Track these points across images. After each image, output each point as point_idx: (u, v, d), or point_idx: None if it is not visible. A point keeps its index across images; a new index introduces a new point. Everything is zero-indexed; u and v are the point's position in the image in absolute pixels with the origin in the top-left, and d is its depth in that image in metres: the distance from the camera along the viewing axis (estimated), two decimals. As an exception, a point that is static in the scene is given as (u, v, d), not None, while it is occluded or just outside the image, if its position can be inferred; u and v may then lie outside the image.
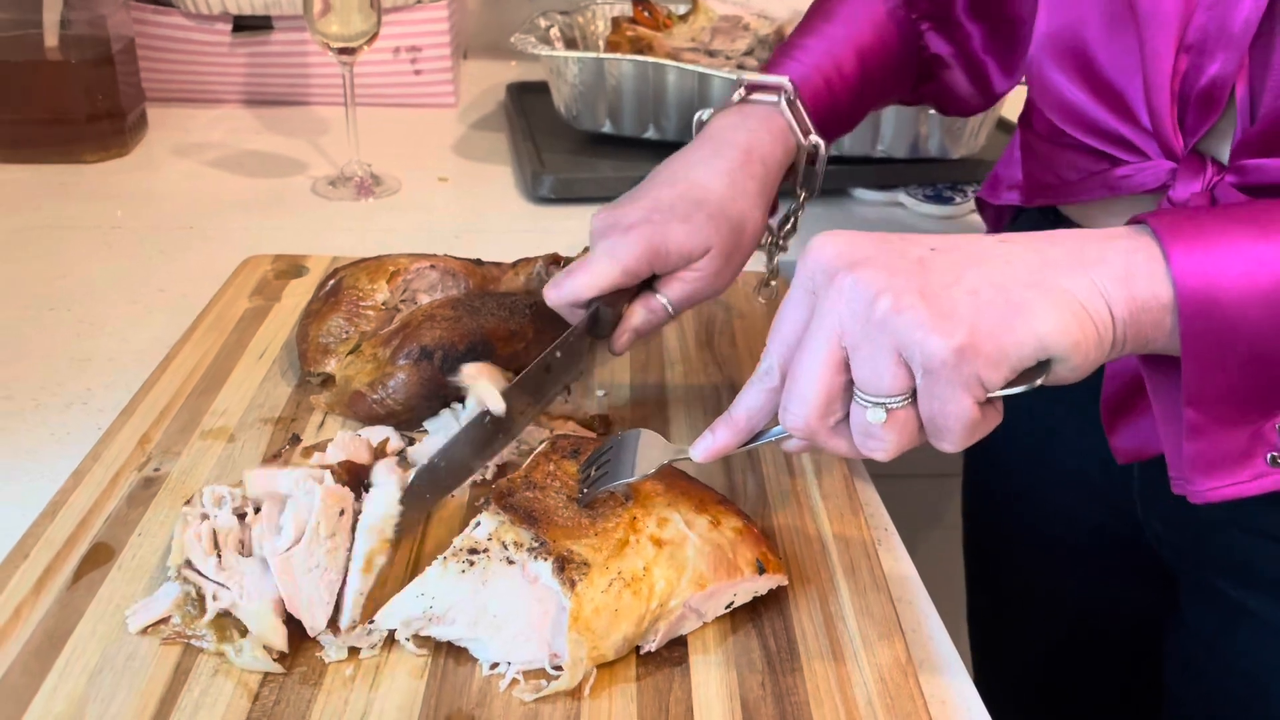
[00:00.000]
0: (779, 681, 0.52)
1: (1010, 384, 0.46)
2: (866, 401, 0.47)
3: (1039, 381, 0.46)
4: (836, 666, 0.53)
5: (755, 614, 0.56)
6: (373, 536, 0.55)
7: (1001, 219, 0.78)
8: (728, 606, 0.55)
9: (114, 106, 1.17)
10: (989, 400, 0.46)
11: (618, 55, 1.14)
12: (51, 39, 1.13)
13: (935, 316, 0.44)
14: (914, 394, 0.46)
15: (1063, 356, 0.45)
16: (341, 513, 0.56)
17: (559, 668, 0.51)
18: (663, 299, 0.67)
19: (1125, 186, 0.61)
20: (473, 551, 0.54)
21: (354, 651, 0.53)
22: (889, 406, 0.46)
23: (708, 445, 0.53)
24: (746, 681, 0.52)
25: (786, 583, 0.57)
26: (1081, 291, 0.45)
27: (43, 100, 1.14)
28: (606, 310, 0.65)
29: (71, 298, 0.90)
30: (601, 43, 1.30)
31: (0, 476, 0.68)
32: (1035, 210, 0.74)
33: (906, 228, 1.12)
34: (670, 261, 0.65)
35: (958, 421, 0.46)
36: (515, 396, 0.64)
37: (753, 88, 0.72)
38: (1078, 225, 0.69)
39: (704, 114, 0.75)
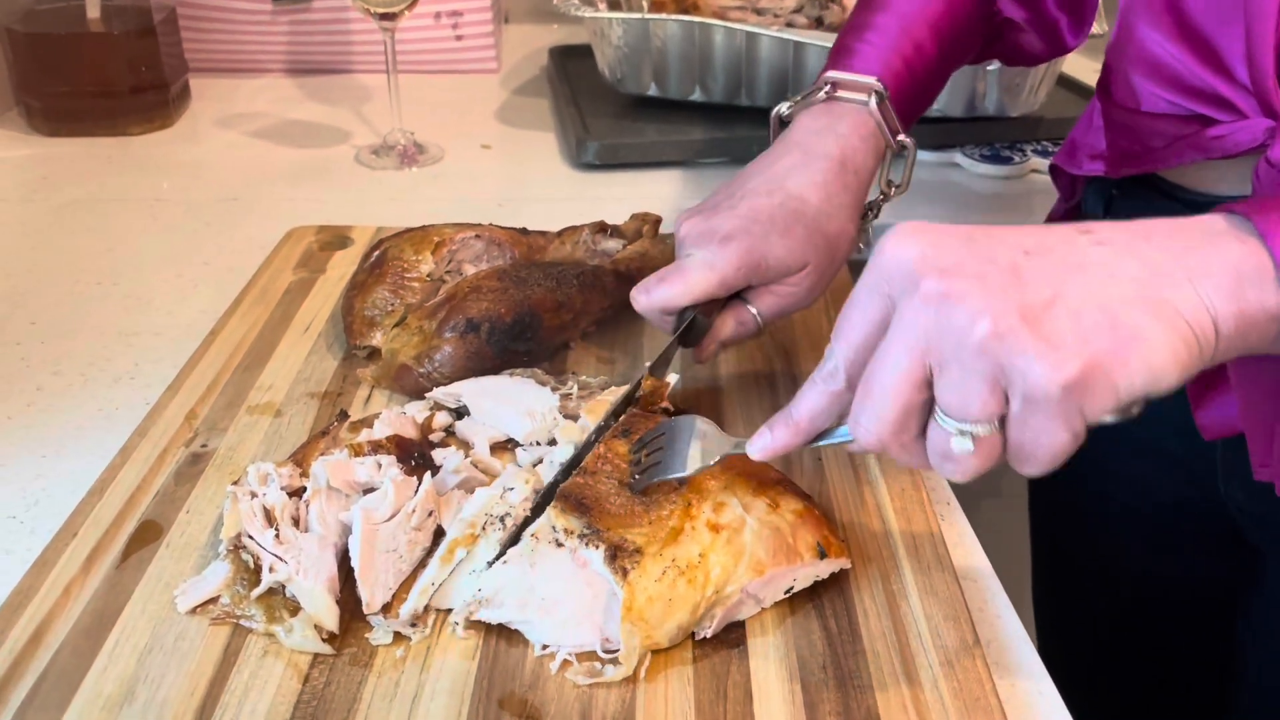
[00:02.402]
0: (840, 664, 0.50)
1: None
2: (951, 427, 0.43)
3: (1135, 411, 0.42)
4: (901, 649, 0.51)
5: (815, 595, 0.54)
6: (461, 528, 0.53)
7: (1076, 187, 0.74)
8: (787, 592, 0.53)
9: (157, 78, 1.16)
10: None
11: (662, 15, 1.11)
12: (94, 10, 1.13)
13: (1042, 345, 0.40)
14: (1002, 419, 0.42)
15: (1169, 385, 0.41)
16: (430, 513, 0.55)
17: (610, 651, 0.50)
18: (754, 310, 0.65)
19: (1219, 148, 0.57)
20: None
21: (402, 634, 0.52)
22: (976, 434, 0.42)
23: (765, 444, 0.50)
24: (807, 664, 0.50)
25: (849, 566, 0.55)
26: (1189, 308, 0.41)
27: (86, 73, 1.14)
28: (702, 320, 0.63)
29: (118, 272, 0.89)
30: (646, 3, 1.26)
31: (50, 452, 0.67)
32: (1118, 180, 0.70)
33: (963, 189, 1.08)
34: (768, 275, 0.64)
35: (1049, 452, 0.42)
36: (615, 415, 0.61)
37: (839, 85, 0.69)
38: (1171, 190, 0.66)
39: (784, 109, 0.71)
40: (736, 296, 0.66)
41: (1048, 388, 0.40)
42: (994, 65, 1.08)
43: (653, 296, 0.63)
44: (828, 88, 0.69)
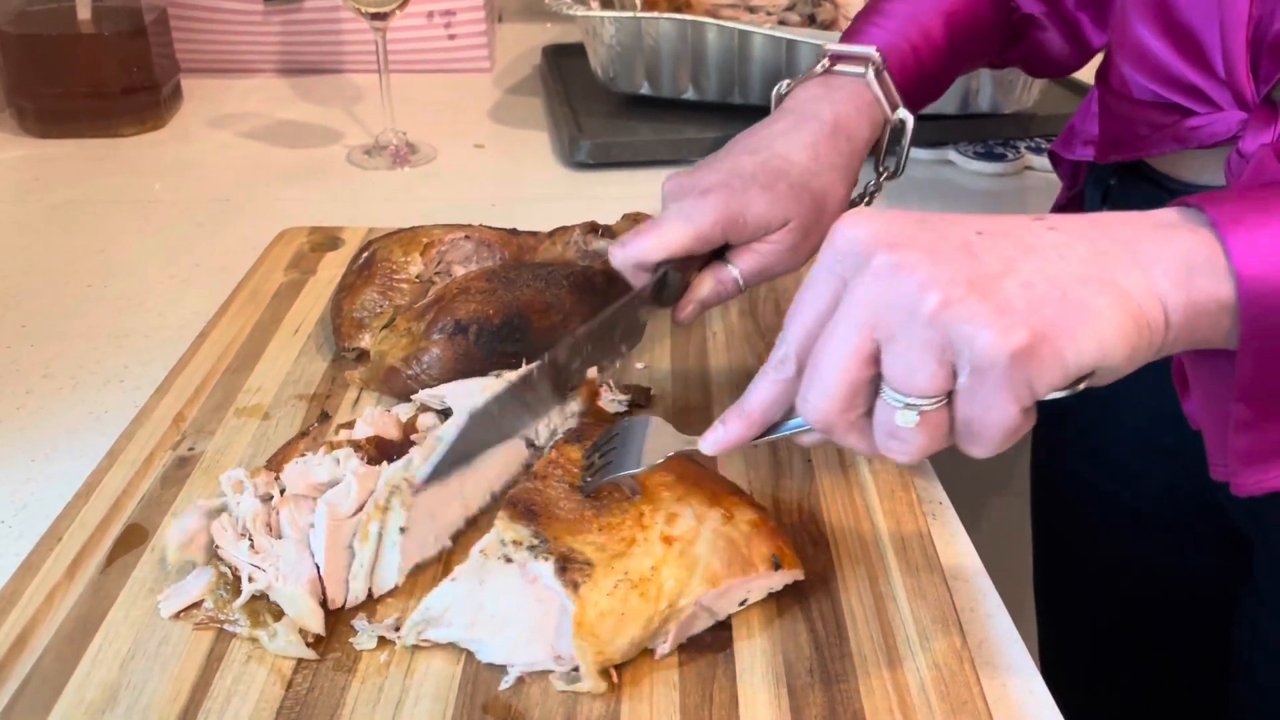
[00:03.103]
0: (827, 668, 0.50)
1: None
2: (897, 402, 0.42)
3: (1081, 386, 0.42)
4: (888, 652, 0.51)
5: (802, 597, 0.54)
6: (370, 505, 0.54)
7: (1078, 175, 0.75)
8: (741, 604, 0.53)
9: (149, 79, 1.16)
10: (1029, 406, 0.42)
11: (655, 14, 1.10)
12: (84, 12, 1.13)
13: (991, 313, 0.39)
14: (949, 395, 0.42)
15: (1116, 365, 0.41)
16: None
17: (565, 668, 0.49)
18: (734, 270, 0.64)
19: (1195, 138, 0.58)
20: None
21: (386, 639, 0.52)
22: (921, 409, 0.42)
23: (718, 438, 0.49)
24: (793, 668, 0.50)
25: (802, 578, 0.54)
26: (1138, 292, 0.41)
27: (78, 74, 1.13)
28: (675, 276, 0.61)
29: (110, 273, 0.89)
30: (638, 1, 1.26)
31: (39, 456, 0.67)
32: (1111, 166, 0.70)
33: (956, 187, 1.08)
34: (747, 231, 0.62)
35: (998, 428, 0.41)
36: (569, 353, 0.59)
37: (837, 58, 0.68)
38: (1159, 179, 0.66)
39: (783, 86, 0.70)
40: (718, 255, 0.64)
41: (995, 356, 0.39)
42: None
43: (628, 250, 0.62)
44: (825, 61, 0.68)
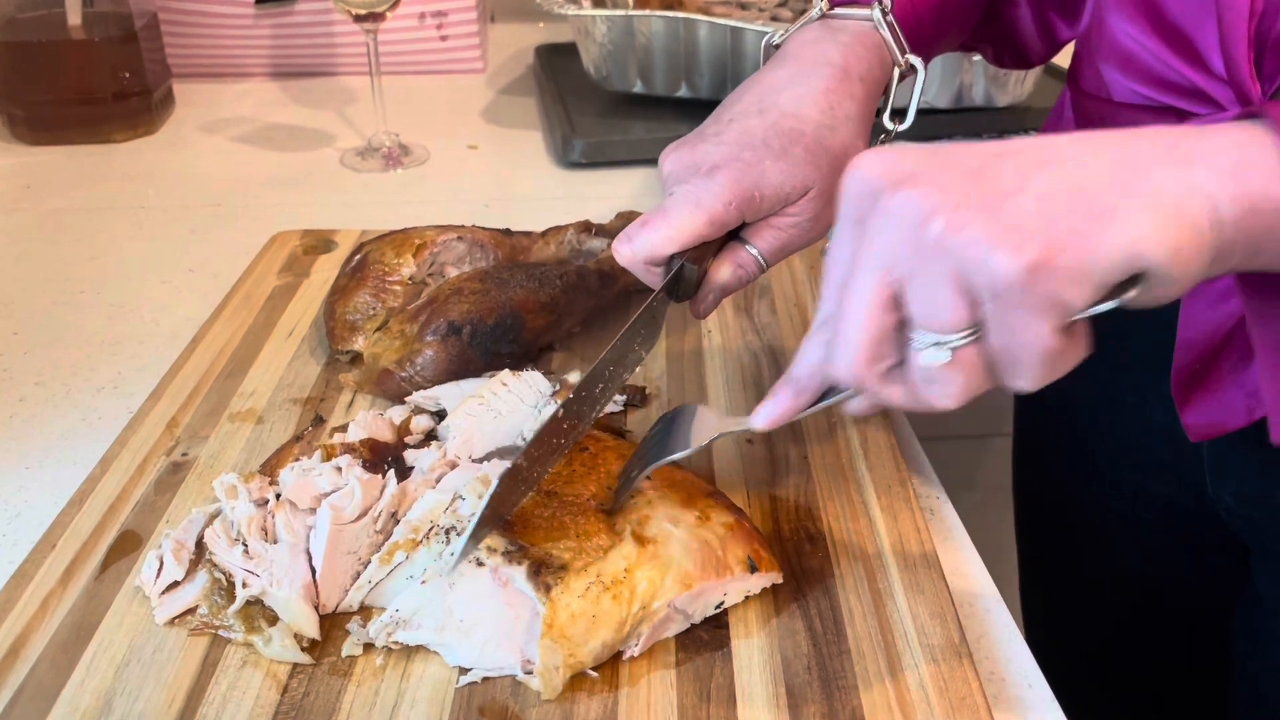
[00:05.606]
0: (825, 665, 0.50)
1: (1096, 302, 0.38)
2: (924, 342, 0.40)
3: (1131, 294, 0.38)
4: (886, 648, 0.51)
5: (800, 594, 0.54)
6: (405, 531, 0.53)
7: None
8: (717, 607, 0.52)
9: (140, 84, 1.16)
10: (1070, 326, 0.38)
11: (647, 12, 1.10)
12: (75, 18, 1.12)
13: (999, 230, 0.37)
14: (980, 329, 0.39)
15: (1159, 267, 0.37)
16: (393, 515, 0.55)
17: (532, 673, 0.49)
18: (753, 251, 0.58)
19: None
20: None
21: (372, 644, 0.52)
22: (951, 345, 0.39)
23: (769, 412, 0.47)
24: (791, 665, 0.50)
25: (780, 581, 0.54)
26: (1174, 189, 0.37)
27: (69, 80, 1.13)
28: (690, 267, 0.55)
29: (103, 280, 0.89)
30: None
31: (33, 463, 0.67)
32: None
33: (952, 181, 1.07)
34: (764, 206, 0.56)
35: (1033, 353, 0.38)
36: (593, 380, 0.54)
37: (838, 1, 0.62)
38: None
39: (774, 36, 0.64)
40: (733, 237, 0.58)
41: (1009, 273, 0.36)
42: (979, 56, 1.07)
43: (635, 245, 0.55)
44: (823, 4, 0.62)
